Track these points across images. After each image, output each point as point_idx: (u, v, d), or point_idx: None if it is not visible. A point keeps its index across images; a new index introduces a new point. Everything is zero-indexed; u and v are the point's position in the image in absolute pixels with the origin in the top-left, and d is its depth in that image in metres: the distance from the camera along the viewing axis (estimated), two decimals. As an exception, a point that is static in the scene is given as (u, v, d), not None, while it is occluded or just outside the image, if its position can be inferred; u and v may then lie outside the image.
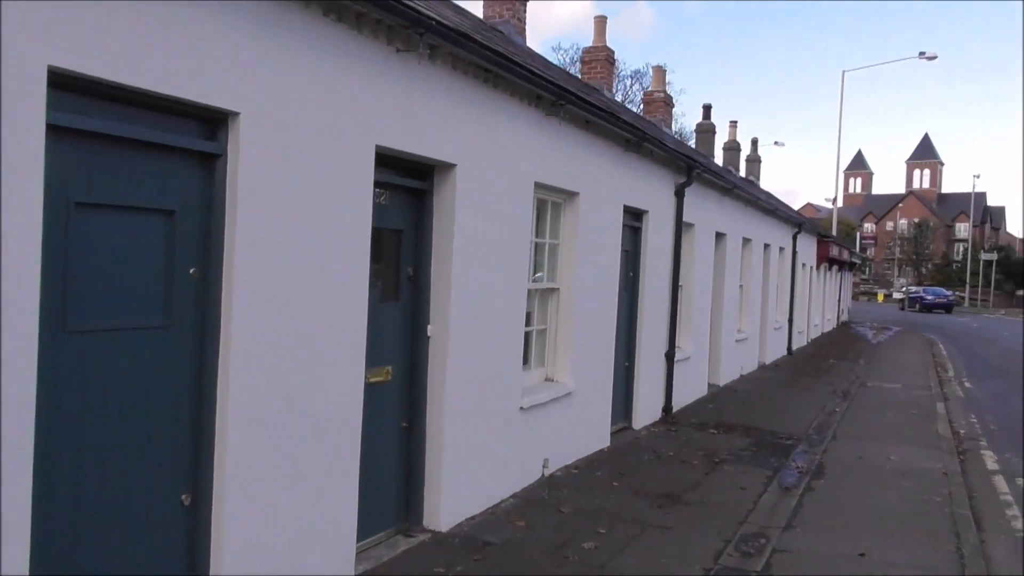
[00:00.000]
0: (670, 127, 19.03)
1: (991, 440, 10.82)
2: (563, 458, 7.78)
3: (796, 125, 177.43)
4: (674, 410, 11.00)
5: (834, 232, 34.84)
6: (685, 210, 11.08)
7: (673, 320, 10.79)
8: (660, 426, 10.27)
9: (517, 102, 6.50)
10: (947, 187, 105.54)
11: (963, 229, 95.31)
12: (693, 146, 24.76)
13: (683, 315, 11.90)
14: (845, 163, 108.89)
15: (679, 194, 10.74)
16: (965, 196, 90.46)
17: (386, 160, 5.16)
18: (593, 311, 8.31)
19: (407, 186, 5.60)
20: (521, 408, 6.86)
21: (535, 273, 7.57)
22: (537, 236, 7.42)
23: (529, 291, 7.50)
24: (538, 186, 7.05)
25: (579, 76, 14.64)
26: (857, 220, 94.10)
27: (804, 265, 23.26)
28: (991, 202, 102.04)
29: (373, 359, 5.24)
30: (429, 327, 5.80)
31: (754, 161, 27.08)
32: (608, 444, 8.86)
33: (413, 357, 5.80)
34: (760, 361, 17.56)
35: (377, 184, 5.10)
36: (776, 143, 52.86)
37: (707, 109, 23.20)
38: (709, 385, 13.57)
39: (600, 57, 14.79)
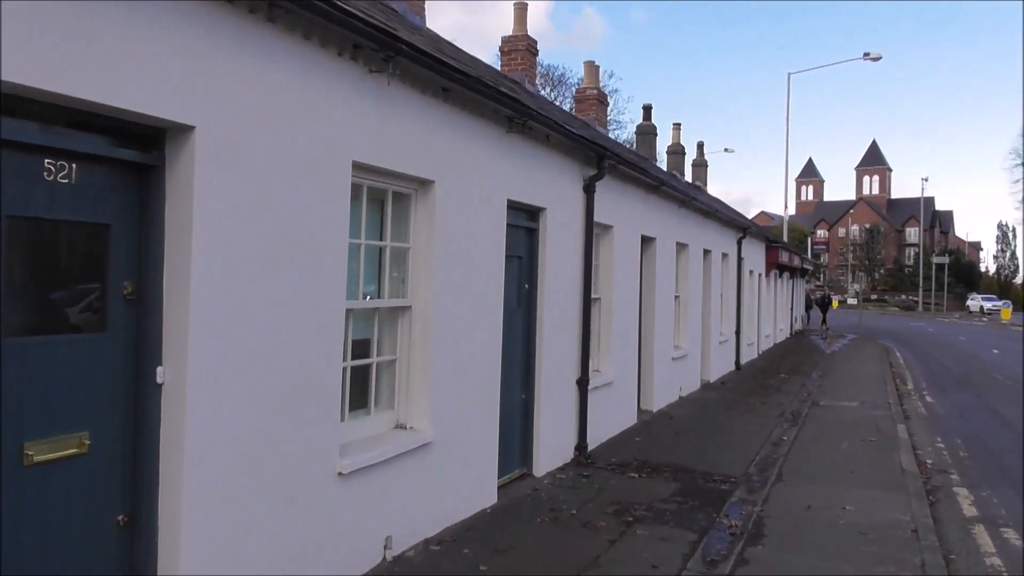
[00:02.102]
0: (605, 127, 17.38)
1: (963, 472, 9.17)
2: (419, 531, 5.87)
3: (747, 134, 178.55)
4: (590, 448, 9.16)
5: (785, 238, 33.60)
6: (599, 209, 9.31)
7: (586, 340, 8.97)
8: (570, 470, 8.41)
9: (316, 46, 4.63)
10: (896, 192, 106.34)
11: (913, 234, 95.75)
12: (634, 149, 23.26)
13: (601, 333, 10.10)
14: (797, 171, 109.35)
15: (589, 189, 8.95)
16: (914, 201, 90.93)
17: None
18: (464, 334, 6.45)
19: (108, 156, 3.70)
20: (340, 474, 4.94)
21: (367, 286, 5.69)
22: (366, 237, 5.54)
23: (363, 311, 5.61)
24: (360, 168, 5.18)
25: (498, 68, 12.90)
26: (810, 227, 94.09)
27: (752, 272, 21.73)
28: (939, 206, 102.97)
29: (50, 423, 3.32)
30: (160, 369, 3.87)
31: (700, 166, 25.61)
32: (494, 502, 6.97)
33: (134, 414, 3.87)
34: (703, 379, 15.86)
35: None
36: (726, 150, 52.24)
37: (647, 110, 21.61)
38: (640, 412, 11.78)
39: (520, 47, 13.07)
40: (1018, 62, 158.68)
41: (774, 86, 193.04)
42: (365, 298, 5.61)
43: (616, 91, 58.90)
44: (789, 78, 37.17)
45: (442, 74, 5.63)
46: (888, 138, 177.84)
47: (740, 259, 19.28)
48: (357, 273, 5.43)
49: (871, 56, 34.48)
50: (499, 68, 13.09)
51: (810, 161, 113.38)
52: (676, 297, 13.86)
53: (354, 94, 4.98)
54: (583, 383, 8.93)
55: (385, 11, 7.72)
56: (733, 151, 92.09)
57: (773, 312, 26.69)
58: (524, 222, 7.80)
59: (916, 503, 7.35)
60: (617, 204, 10.24)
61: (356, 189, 5.33)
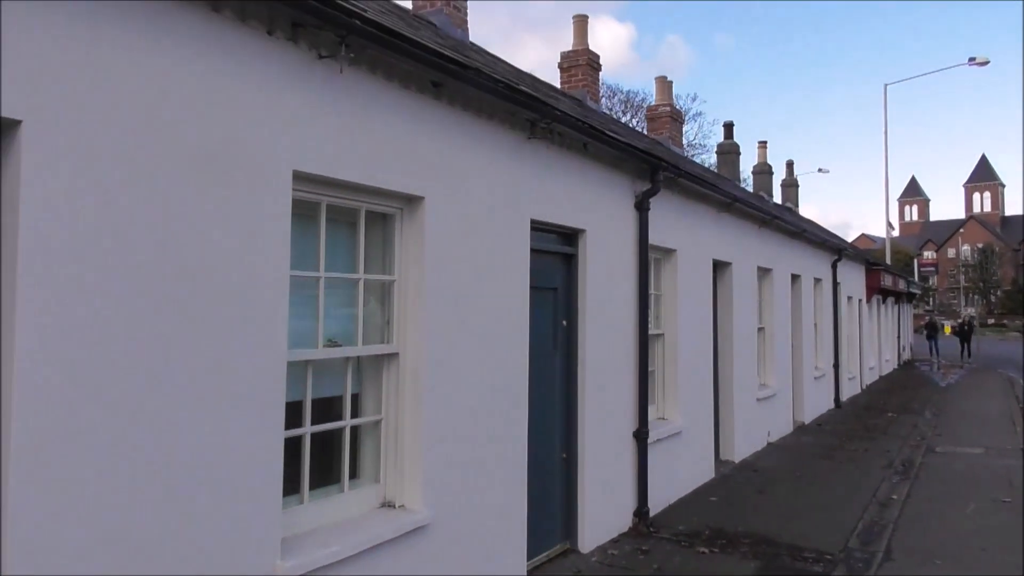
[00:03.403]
0: (680, 146, 16.01)
1: None
2: (410, 641, 4.61)
3: (843, 154, 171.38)
4: (652, 512, 7.71)
5: (888, 261, 31.00)
6: (656, 230, 7.97)
7: (643, 384, 7.57)
8: (626, 542, 6.99)
9: (230, 21, 3.55)
10: (1011, 208, 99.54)
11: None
12: (715, 170, 21.66)
13: (666, 375, 8.68)
14: (898, 190, 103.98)
15: (641, 207, 7.63)
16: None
17: None
18: (470, 384, 5.21)
19: None
20: (281, 580, 3.75)
21: (336, 329, 4.52)
22: (329, 269, 4.38)
23: (328, 362, 4.46)
24: (309, 180, 4.05)
25: (559, 86, 11.83)
26: (915, 249, 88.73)
27: (850, 298, 19.69)
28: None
29: None
30: None
31: (790, 186, 23.80)
32: (522, 591, 5.66)
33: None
34: (797, 421, 14.06)
35: None
36: (820, 170, 49.46)
37: (728, 128, 20.15)
38: (719, 463, 10.22)
39: (581, 62, 11.98)
40: None
41: (870, 101, 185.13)
42: (326, 346, 4.45)
43: (701, 114, 57.18)
44: (886, 90, 35.10)
45: (427, 63, 4.49)
46: (999, 150, 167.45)
47: (836, 284, 17.38)
48: (316, 314, 4.29)
49: (977, 60, 31.65)
50: (559, 86, 12.00)
51: (913, 180, 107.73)
52: (760, 329, 12.25)
53: (295, 86, 3.87)
54: (642, 435, 7.52)
55: (419, 23, 6.74)
56: (828, 171, 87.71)
57: (877, 341, 24.33)
58: (557, 246, 6.54)
59: (1076, 598, 5.62)
60: (681, 225, 8.85)
61: (311, 207, 4.22)
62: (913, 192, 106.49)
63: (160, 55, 3.24)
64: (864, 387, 20.84)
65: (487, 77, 5.01)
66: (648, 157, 7.45)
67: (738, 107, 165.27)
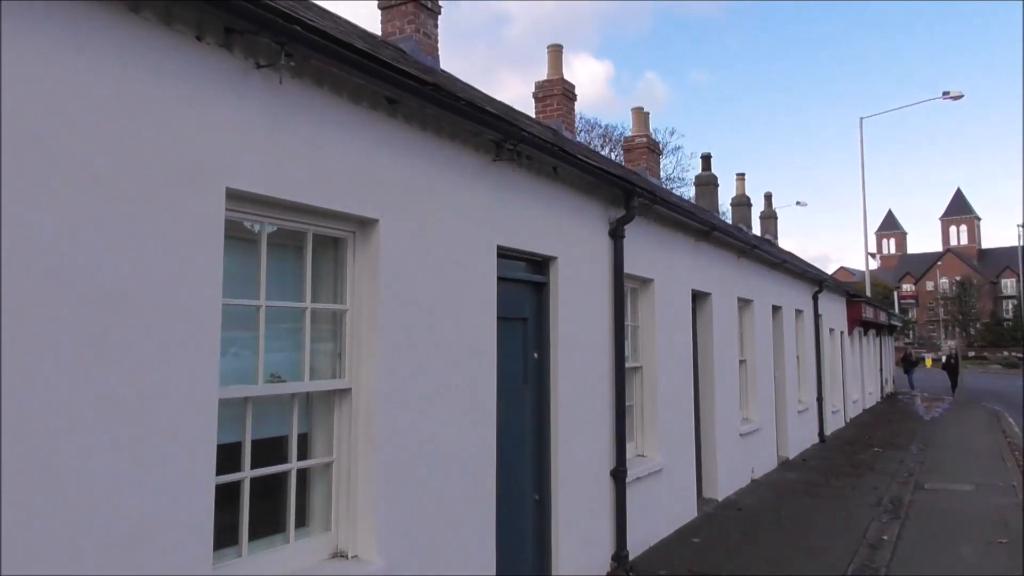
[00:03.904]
0: (658, 177, 15.82)
1: None
2: None
3: (820, 187, 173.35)
4: (632, 556, 7.29)
5: (867, 292, 30.94)
6: (632, 259, 7.67)
7: (621, 420, 7.21)
8: (603, 590, 6.57)
9: (153, 24, 3.23)
10: (987, 241, 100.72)
11: (1010, 285, 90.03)
12: (693, 202, 21.49)
13: (645, 410, 8.32)
14: (876, 224, 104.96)
15: (616, 234, 7.33)
16: (1009, 250, 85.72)
17: None
18: (430, 421, 4.83)
19: None
20: (208, 646, 3.32)
21: (278, 363, 4.14)
22: (270, 297, 4.00)
23: (269, 399, 4.08)
24: (245, 200, 3.70)
25: (533, 116, 11.61)
26: (894, 282, 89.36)
27: (832, 331, 19.48)
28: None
29: None
30: None
31: (769, 218, 23.67)
32: (489, 647, 5.22)
33: None
34: (781, 456, 13.70)
35: None
36: (798, 203, 49.70)
37: (706, 160, 20.00)
38: (702, 501, 9.82)
39: (556, 92, 11.77)
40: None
41: (846, 135, 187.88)
42: (268, 381, 4.07)
43: (679, 148, 57.42)
44: (861, 123, 35.13)
45: (379, 77, 4.18)
46: (975, 184, 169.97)
47: (817, 315, 17.16)
48: (257, 346, 3.91)
49: (951, 95, 32.01)
50: (534, 116, 11.77)
51: (890, 213, 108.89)
52: (742, 361, 11.94)
53: (229, 96, 3.54)
54: (619, 474, 7.13)
55: (386, 47, 6.47)
56: (806, 204, 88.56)
57: (860, 374, 24.12)
58: (526, 274, 6.22)
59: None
60: (658, 253, 8.57)
61: (249, 230, 3.87)
62: (890, 225, 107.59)
63: (67, 54, 2.90)
64: (848, 420, 20.54)
65: (447, 94, 4.72)
66: (622, 182, 7.18)
67: (716, 141, 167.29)
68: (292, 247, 4.23)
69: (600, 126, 40.86)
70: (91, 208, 2.96)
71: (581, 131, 36.50)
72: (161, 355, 3.18)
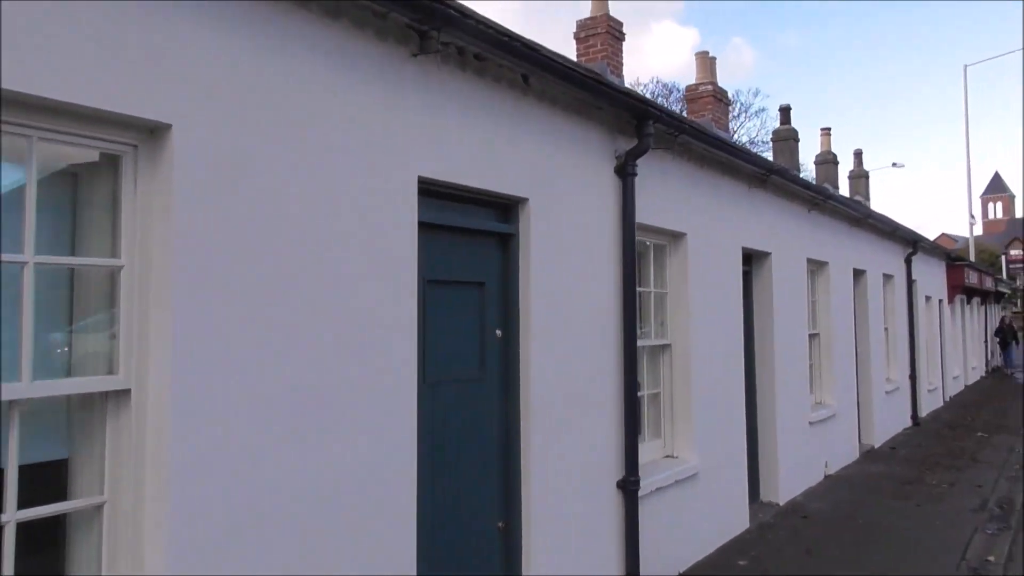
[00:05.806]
0: (726, 130, 13.81)
1: None
2: None
3: (920, 148, 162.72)
4: (650, 591, 5.63)
5: (971, 257, 27.81)
6: (655, 207, 5.94)
7: (631, 416, 5.51)
8: (601, 642, 4.93)
9: None
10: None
11: None
12: (771, 159, 19.19)
13: (676, 397, 6.59)
14: (981, 186, 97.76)
15: (624, 171, 5.58)
16: None
17: None
18: (296, 433, 3.28)
19: None
20: None
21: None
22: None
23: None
24: None
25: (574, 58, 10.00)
26: (1001, 247, 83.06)
27: (929, 298, 17.04)
28: None
29: None
30: None
31: (859, 177, 21.02)
32: None
33: None
34: (865, 445, 11.66)
35: None
36: (894, 164, 46.11)
37: (785, 112, 17.59)
38: (758, 507, 8.04)
39: (600, 30, 9.94)
40: None
41: (947, 88, 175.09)
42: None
43: (764, 110, 53.90)
44: (966, 71, 31.63)
45: None
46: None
47: (911, 281, 14.84)
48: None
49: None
50: (575, 58, 10.06)
51: (996, 175, 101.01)
52: (813, 336, 9.97)
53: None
54: (630, 485, 5.45)
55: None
56: (903, 166, 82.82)
57: (962, 348, 21.45)
58: (479, 222, 4.56)
59: None
60: (695, 201, 6.76)
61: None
62: (997, 188, 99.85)
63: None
64: (947, 400, 18.10)
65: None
66: (632, 101, 5.42)
67: (804, 100, 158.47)
68: (65, 173, 2.70)
69: (679, 90, 38.45)
70: None
71: (659, 95, 34.18)
72: None
